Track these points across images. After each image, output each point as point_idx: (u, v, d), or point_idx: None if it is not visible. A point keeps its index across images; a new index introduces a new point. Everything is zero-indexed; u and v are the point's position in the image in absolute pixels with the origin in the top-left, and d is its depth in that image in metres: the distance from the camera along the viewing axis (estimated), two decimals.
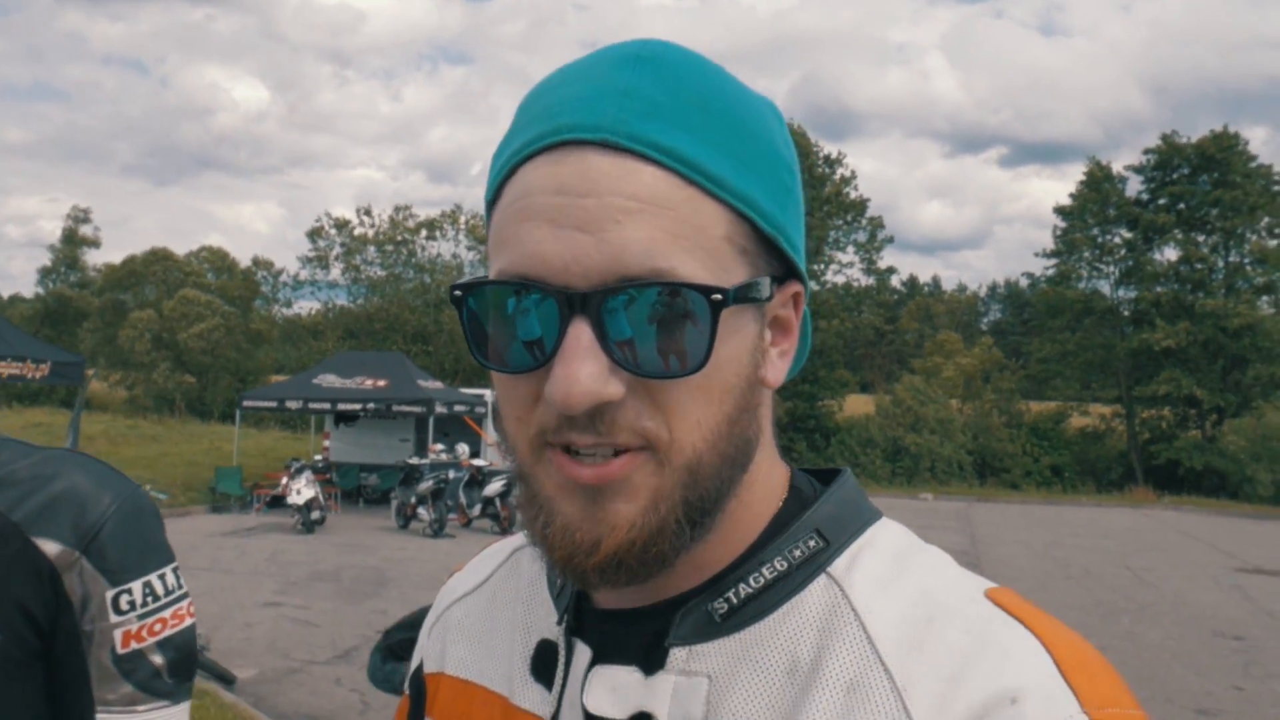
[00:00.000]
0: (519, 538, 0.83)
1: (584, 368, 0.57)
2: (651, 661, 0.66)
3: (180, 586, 1.28)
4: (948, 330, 47.76)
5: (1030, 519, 22.80)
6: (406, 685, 0.88)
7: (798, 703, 0.61)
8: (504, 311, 0.61)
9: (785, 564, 0.66)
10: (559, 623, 0.73)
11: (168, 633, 1.25)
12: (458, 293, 0.63)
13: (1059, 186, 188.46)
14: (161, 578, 1.26)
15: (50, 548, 1.18)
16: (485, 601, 0.83)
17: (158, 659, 1.23)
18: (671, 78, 0.61)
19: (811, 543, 0.67)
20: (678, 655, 0.65)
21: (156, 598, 1.24)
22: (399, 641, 6.00)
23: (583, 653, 0.70)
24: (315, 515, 16.90)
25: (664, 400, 0.59)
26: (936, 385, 34.68)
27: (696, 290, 0.57)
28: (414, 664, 0.87)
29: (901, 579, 0.64)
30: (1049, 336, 36.92)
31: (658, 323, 0.57)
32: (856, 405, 38.08)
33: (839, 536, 0.67)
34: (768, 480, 0.69)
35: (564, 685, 0.70)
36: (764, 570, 0.66)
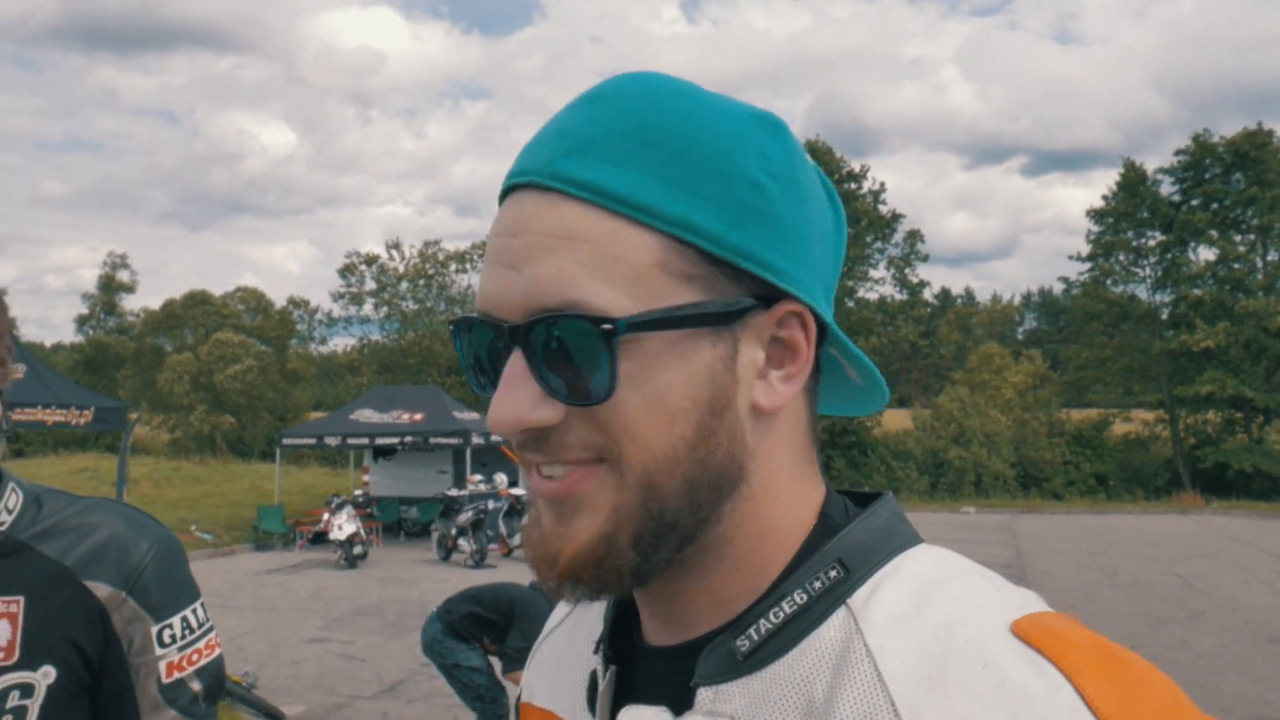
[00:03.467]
0: None
1: (509, 395, 0.62)
2: (680, 702, 0.66)
3: (208, 619, 1.40)
4: (989, 342, 47.25)
5: (1075, 529, 22.49)
6: (513, 713, 0.91)
7: None
8: (470, 344, 0.68)
9: (804, 596, 0.64)
10: (595, 651, 0.75)
11: (203, 661, 1.36)
12: (451, 328, 0.70)
13: (1083, 193, 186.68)
14: (194, 612, 1.37)
15: (100, 590, 1.28)
16: (566, 632, 0.85)
17: (196, 685, 1.34)
18: (614, 112, 0.63)
19: (832, 573, 0.65)
20: (704, 696, 0.64)
21: (192, 630, 1.35)
22: (461, 619, 6.12)
23: (611, 681, 0.72)
24: (357, 550, 17.00)
25: (605, 423, 0.61)
26: (985, 399, 34.27)
27: (585, 319, 0.60)
28: (520, 692, 0.91)
29: (923, 611, 0.61)
30: (1087, 342, 36.51)
31: (570, 351, 0.60)
32: (894, 420, 37.82)
33: (862, 566, 0.65)
34: (789, 508, 0.68)
35: (608, 715, 0.72)
36: (784, 604, 0.64)
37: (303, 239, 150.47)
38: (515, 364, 0.62)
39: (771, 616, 0.64)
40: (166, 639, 1.31)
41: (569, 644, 0.83)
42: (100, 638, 1.27)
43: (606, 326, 0.59)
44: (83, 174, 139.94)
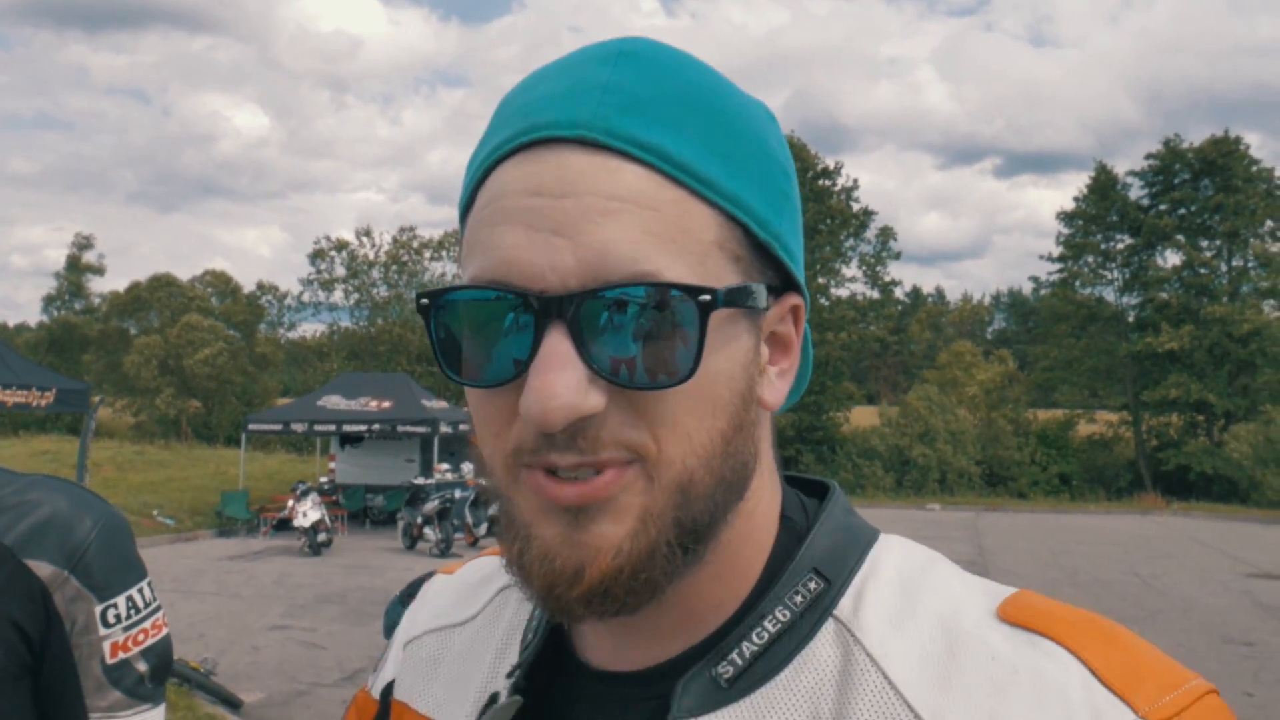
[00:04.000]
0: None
1: (560, 379, 0.52)
2: None
3: (155, 599, 1.37)
4: (960, 340, 47.48)
5: (1038, 528, 22.72)
6: (376, 690, 0.82)
7: None
8: (476, 321, 0.56)
9: (788, 613, 0.61)
10: (508, 675, 0.68)
11: (150, 642, 1.34)
12: (424, 301, 0.58)
13: (1055, 195, 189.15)
14: (140, 591, 1.34)
15: (42, 569, 1.25)
16: (467, 639, 0.76)
17: (141, 666, 1.32)
18: (656, 73, 0.57)
19: (812, 584, 0.62)
20: None
21: (138, 610, 1.33)
22: None
23: (512, 706, 0.66)
24: (322, 537, 16.90)
25: (650, 412, 0.54)
26: (954, 397, 34.48)
27: (685, 291, 0.53)
28: (388, 673, 0.81)
29: (914, 612, 0.59)
30: (1054, 342, 36.86)
31: (642, 329, 0.53)
32: (863, 417, 38.00)
33: (839, 572, 0.62)
34: (767, 507, 0.65)
35: None
36: (766, 624, 0.60)
37: (274, 223, 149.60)
38: (558, 342, 0.52)
39: (754, 638, 0.60)
40: (111, 619, 1.29)
41: (469, 654, 0.75)
42: (42, 617, 1.25)
43: (705, 298, 0.53)
44: (51, 152, 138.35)
